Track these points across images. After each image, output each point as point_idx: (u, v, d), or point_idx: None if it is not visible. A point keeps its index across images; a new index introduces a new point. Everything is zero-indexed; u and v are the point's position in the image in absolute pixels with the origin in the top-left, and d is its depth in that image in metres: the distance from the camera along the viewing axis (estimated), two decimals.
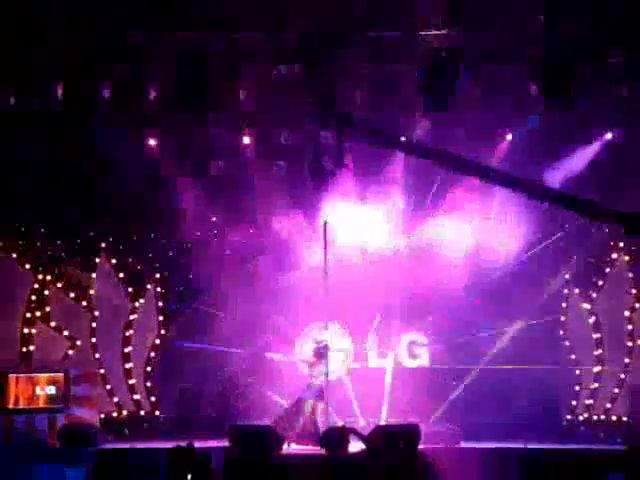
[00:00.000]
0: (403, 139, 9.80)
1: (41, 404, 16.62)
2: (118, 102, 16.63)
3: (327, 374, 16.62)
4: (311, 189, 18.21)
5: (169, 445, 12.96)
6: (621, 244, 18.40)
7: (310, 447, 14.87)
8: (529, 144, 17.50)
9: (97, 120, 16.92)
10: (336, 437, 10.36)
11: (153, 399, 18.71)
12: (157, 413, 18.68)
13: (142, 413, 18.66)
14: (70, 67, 16.03)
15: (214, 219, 18.88)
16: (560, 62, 15.38)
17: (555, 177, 17.54)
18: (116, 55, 15.84)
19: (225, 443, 13.85)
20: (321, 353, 16.72)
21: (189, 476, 11.50)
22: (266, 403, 18.10)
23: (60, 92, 16.42)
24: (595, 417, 18.43)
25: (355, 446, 12.59)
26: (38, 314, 18.37)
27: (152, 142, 18.04)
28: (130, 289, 18.90)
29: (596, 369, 18.57)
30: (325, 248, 16.64)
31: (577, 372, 18.62)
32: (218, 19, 15.02)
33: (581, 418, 18.46)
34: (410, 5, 15.10)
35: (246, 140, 18.16)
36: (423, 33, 15.42)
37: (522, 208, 17.02)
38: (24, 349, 18.10)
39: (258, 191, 18.41)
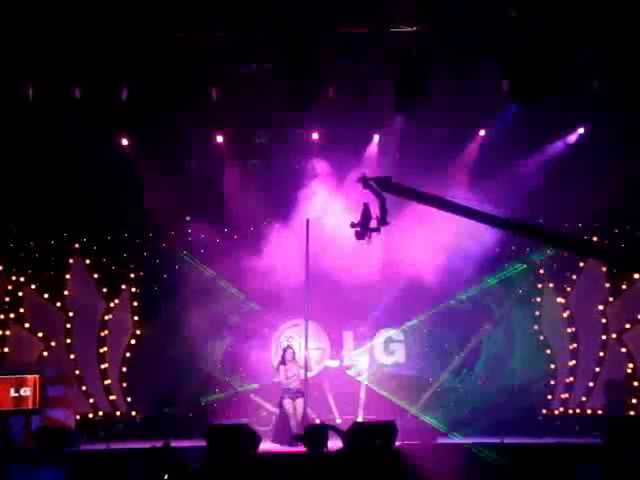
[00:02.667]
0: (438, 196, 10.41)
1: (15, 406, 16.48)
2: (89, 101, 16.50)
3: (302, 375, 16.68)
4: (288, 189, 18.38)
5: (146, 445, 12.97)
6: (595, 238, 18.47)
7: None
8: (503, 139, 17.53)
9: (68, 119, 16.79)
10: (316, 435, 10.34)
11: (129, 399, 18.66)
12: (133, 414, 18.62)
13: (118, 414, 18.60)
14: (40, 66, 15.89)
15: (188, 218, 18.82)
16: (529, 59, 15.47)
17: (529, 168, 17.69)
18: (87, 54, 15.72)
19: (202, 443, 13.82)
20: (284, 359, 16.86)
21: (166, 476, 11.47)
22: (243, 402, 18.10)
23: (30, 91, 16.25)
24: (571, 411, 18.55)
25: (334, 443, 12.60)
26: (12, 316, 18.27)
27: (125, 142, 17.94)
28: (104, 289, 18.83)
29: (571, 363, 18.68)
30: (307, 245, 16.61)
31: (552, 366, 18.72)
32: (190, 17, 14.95)
33: (557, 412, 18.57)
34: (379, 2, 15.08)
35: (219, 139, 18.12)
36: (394, 30, 15.37)
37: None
38: None
39: (232, 190, 18.34)
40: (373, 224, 10.34)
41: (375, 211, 10.38)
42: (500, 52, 15.67)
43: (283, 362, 16.90)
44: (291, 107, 16.29)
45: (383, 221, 10.37)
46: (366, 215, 10.37)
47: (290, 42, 15.15)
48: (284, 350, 17.13)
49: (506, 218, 10.76)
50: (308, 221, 16.75)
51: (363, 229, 10.37)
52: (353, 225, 10.40)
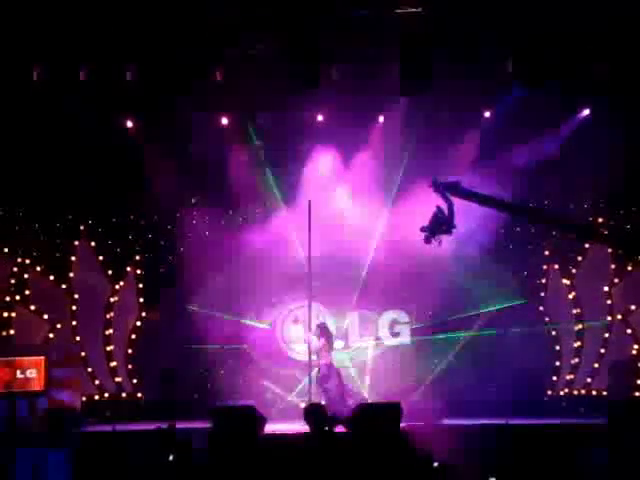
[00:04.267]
0: (507, 200, 10.63)
1: (22, 388, 16.52)
2: (94, 84, 16.50)
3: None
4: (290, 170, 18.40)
5: (151, 427, 13.01)
6: (600, 219, 18.45)
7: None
8: (503, 125, 17.52)
9: (72, 101, 16.79)
10: (320, 413, 10.38)
11: (135, 381, 18.72)
12: (139, 395, 18.68)
13: (124, 395, 18.66)
14: (48, 49, 15.91)
15: (194, 200, 18.84)
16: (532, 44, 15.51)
17: (524, 156, 17.66)
18: (92, 36, 15.72)
19: (207, 424, 13.86)
20: (327, 336, 16.64)
21: (171, 457, 11.52)
22: (250, 384, 18.14)
23: (35, 73, 16.25)
24: (576, 392, 18.57)
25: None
26: (17, 298, 18.31)
27: (129, 124, 17.93)
28: (110, 271, 18.86)
29: (576, 344, 18.70)
30: (309, 226, 16.62)
31: (557, 348, 18.74)
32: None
33: (562, 393, 18.60)
34: None
35: (224, 121, 18.10)
36: (400, 11, 15.35)
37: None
38: (4, 333, 18.04)
39: (237, 172, 18.34)
40: (442, 228, 10.39)
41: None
42: (503, 34, 15.65)
43: (325, 335, 16.62)
44: (293, 90, 16.30)
45: (452, 225, 10.43)
46: (437, 219, 10.40)
47: (291, 25, 15.16)
48: (324, 328, 16.85)
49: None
50: (310, 203, 16.76)
51: (432, 233, 10.40)
52: (423, 229, 10.43)
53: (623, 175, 17.52)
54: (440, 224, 10.38)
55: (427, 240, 10.45)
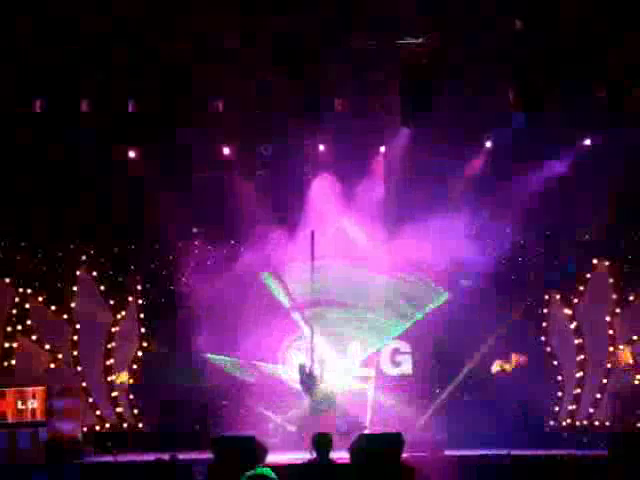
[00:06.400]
0: None
1: (22, 418, 16.46)
2: (98, 116, 16.64)
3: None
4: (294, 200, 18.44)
5: (152, 458, 12.96)
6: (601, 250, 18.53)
7: None
8: (512, 146, 17.58)
9: (78, 134, 16.92)
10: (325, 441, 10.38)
11: (136, 412, 18.67)
12: (140, 426, 18.63)
13: (125, 426, 18.61)
14: (50, 80, 16.05)
15: (195, 230, 18.86)
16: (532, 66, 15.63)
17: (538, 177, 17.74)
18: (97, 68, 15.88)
19: (208, 455, 13.82)
20: (310, 378, 16.66)
21: None
22: (252, 415, 18.08)
23: (39, 105, 16.38)
24: (578, 423, 18.50)
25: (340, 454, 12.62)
26: (19, 328, 18.30)
27: (131, 154, 17.98)
28: (111, 301, 18.86)
29: (578, 374, 18.65)
30: (312, 257, 16.64)
31: (559, 378, 18.70)
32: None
33: (564, 424, 18.53)
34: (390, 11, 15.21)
35: (226, 151, 18.15)
36: (401, 42, 15.49)
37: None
38: (5, 363, 18.03)
39: (240, 203, 18.37)
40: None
41: None
42: (505, 63, 15.76)
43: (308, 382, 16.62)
44: (296, 121, 16.40)
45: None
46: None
47: (292, 57, 15.28)
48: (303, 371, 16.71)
49: None
50: (313, 233, 16.79)
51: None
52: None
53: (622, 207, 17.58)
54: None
55: None
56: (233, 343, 18.15)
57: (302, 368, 16.61)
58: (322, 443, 10.21)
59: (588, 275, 18.75)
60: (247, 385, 18.44)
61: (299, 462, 14.10)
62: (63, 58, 15.64)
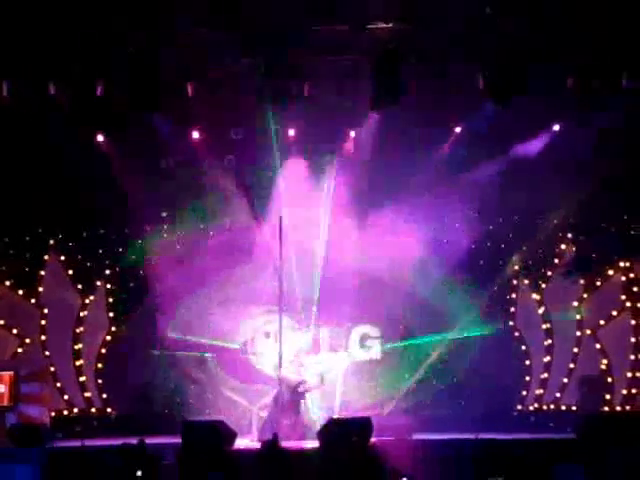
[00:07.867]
0: None
1: None
2: (67, 100, 16.51)
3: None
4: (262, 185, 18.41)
5: (120, 442, 12.96)
6: (569, 235, 18.63)
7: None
8: (481, 131, 17.61)
9: (45, 118, 16.80)
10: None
11: (104, 396, 18.62)
12: (109, 410, 18.59)
13: (93, 410, 18.57)
14: (17, 65, 15.91)
15: (164, 214, 18.78)
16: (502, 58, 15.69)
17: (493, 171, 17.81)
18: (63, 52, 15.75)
19: (178, 439, 13.81)
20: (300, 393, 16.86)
21: (139, 473, 11.47)
22: (220, 400, 18.09)
23: (5, 89, 16.22)
24: (545, 407, 18.65)
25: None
26: None
27: (100, 138, 17.85)
28: (80, 286, 18.77)
29: (546, 359, 18.78)
30: (280, 242, 16.64)
31: (527, 362, 18.81)
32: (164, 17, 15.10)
33: (531, 408, 18.67)
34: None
35: (195, 135, 18.07)
36: (370, 26, 15.46)
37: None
38: None
39: (207, 186, 18.30)
40: None
41: None
42: (474, 51, 15.79)
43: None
44: (265, 105, 16.38)
45: None
46: None
47: (261, 41, 15.24)
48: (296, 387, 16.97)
49: None
50: (281, 219, 16.79)
51: None
52: None
53: (591, 190, 17.65)
54: None
55: None
56: (202, 327, 18.11)
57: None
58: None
59: (556, 260, 18.86)
60: (216, 368, 18.42)
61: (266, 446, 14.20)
62: (29, 41, 15.45)
